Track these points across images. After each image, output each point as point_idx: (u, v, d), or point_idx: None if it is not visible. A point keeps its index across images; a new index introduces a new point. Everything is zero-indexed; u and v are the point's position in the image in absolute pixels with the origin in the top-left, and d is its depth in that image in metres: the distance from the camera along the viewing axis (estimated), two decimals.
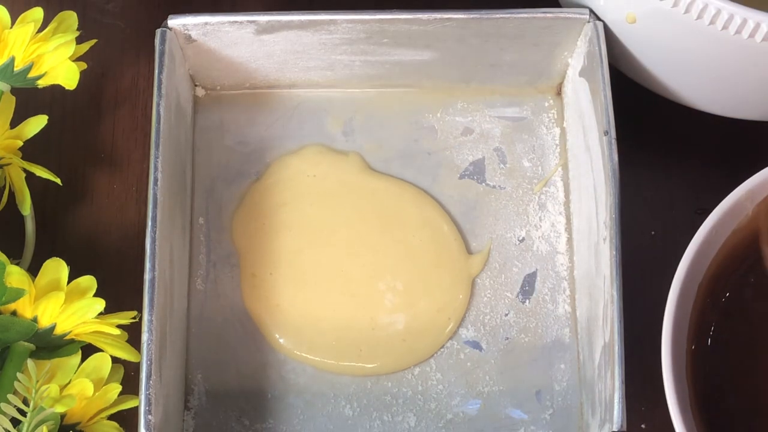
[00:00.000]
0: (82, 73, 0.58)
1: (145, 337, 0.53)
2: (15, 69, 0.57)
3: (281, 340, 0.60)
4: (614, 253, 0.54)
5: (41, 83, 0.58)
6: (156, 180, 0.55)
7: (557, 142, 0.62)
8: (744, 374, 0.55)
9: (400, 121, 0.63)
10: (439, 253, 0.61)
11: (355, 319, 0.60)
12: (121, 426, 0.55)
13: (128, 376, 0.56)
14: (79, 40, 0.58)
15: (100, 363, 0.54)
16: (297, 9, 0.58)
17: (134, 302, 0.55)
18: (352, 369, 0.59)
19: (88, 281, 0.54)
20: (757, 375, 0.55)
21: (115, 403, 0.54)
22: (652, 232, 0.61)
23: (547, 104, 0.63)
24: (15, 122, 0.58)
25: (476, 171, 0.62)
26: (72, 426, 0.54)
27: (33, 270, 0.54)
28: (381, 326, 0.60)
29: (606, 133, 0.55)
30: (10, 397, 0.51)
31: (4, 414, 0.51)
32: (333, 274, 0.61)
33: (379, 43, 0.59)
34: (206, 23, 0.58)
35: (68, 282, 0.54)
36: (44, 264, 0.54)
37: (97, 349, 0.54)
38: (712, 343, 0.55)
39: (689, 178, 0.62)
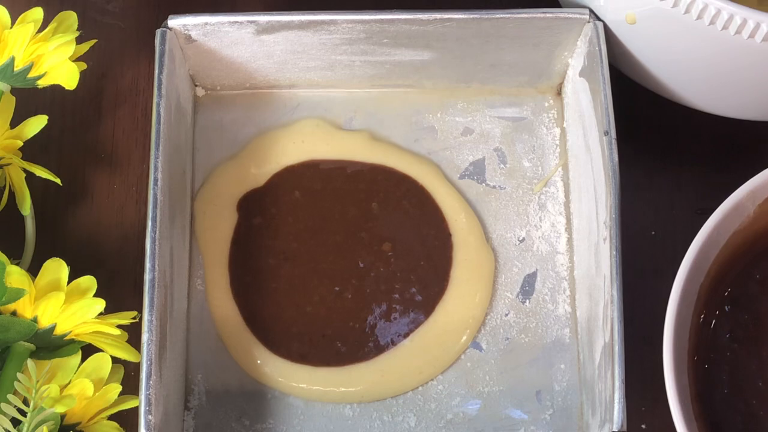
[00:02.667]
0: (82, 73, 0.58)
1: (145, 337, 0.53)
2: (15, 69, 0.57)
3: (263, 370, 0.58)
4: (614, 253, 0.54)
5: (41, 83, 0.58)
6: (156, 180, 0.55)
7: (557, 142, 0.62)
8: (746, 374, 0.55)
9: (400, 121, 0.63)
10: (465, 247, 0.60)
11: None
12: (121, 426, 0.55)
13: (128, 376, 0.56)
14: (79, 40, 0.58)
15: (100, 363, 0.54)
16: (297, 9, 0.58)
17: (134, 302, 0.55)
18: (345, 396, 0.58)
19: (88, 281, 0.54)
20: (760, 374, 0.55)
21: (115, 403, 0.54)
22: (652, 232, 0.61)
23: (547, 104, 0.63)
24: (15, 122, 0.58)
25: (476, 171, 0.62)
26: (72, 426, 0.54)
27: (33, 270, 0.54)
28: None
29: (606, 133, 0.55)
30: (10, 397, 0.51)
31: (4, 414, 0.51)
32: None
33: (379, 43, 0.59)
34: (206, 23, 0.58)
35: (68, 282, 0.54)
36: (44, 264, 0.54)
37: (97, 349, 0.54)
38: (714, 343, 0.55)
39: (689, 178, 0.62)
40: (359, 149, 0.61)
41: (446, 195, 0.61)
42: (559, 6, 0.60)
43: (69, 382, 0.54)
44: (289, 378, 0.58)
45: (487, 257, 0.60)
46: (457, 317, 0.59)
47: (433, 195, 0.61)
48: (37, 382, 0.52)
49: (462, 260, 0.60)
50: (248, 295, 0.59)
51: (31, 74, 0.57)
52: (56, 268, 0.54)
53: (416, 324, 0.59)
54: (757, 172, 0.53)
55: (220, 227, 0.60)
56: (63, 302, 0.53)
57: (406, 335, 0.59)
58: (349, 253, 0.60)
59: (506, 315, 0.60)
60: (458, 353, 0.59)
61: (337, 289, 0.59)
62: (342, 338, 0.59)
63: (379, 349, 0.59)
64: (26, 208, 0.59)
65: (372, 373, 0.58)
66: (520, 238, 0.61)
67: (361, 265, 0.60)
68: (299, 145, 0.61)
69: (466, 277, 0.60)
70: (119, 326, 0.54)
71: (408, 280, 0.60)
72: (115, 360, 0.55)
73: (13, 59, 0.57)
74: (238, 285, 0.59)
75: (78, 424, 0.54)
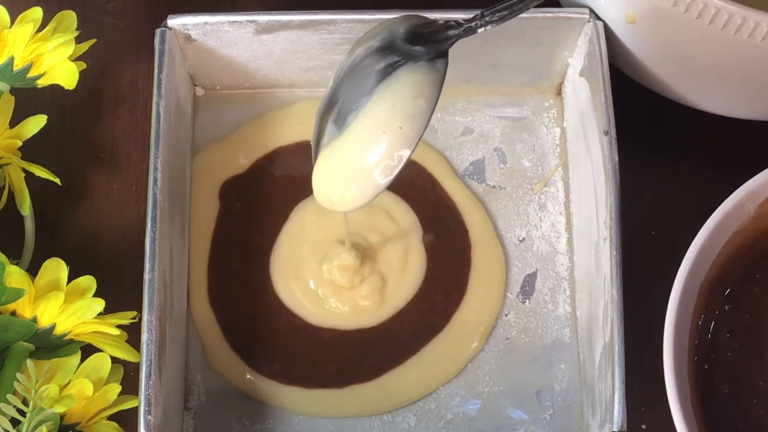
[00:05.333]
0: (82, 73, 0.58)
1: (145, 337, 0.53)
2: (14, 69, 0.57)
3: (250, 388, 0.57)
4: (614, 253, 0.54)
5: (41, 83, 0.58)
6: (156, 180, 0.55)
7: (557, 142, 0.62)
8: (746, 373, 0.55)
9: None
10: (482, 246, 0.59)
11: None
12: (121, 426, 0.55)
13: (128, 376, 0.56)
14: (79, 40, 0.58)
15: (100, 363, 0.54)
16: (297, 9, 0.58)
17: (134, 302, 0.55)
18: (345, 414, 0.57)
19: (88, 281, 0.54)
20: (760, 374, 0.55)
21: (115, 403, 0.54)
22: (652, 232, 0.61)
23: (547, 104, 0.63)
24: (14, 122, 0.58)
25: (476, 171, 0.62)
26: (72, 426, 0.54)
27: (33, 270, 0.54)
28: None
29: (606, 133, 0.55)
30: (9, 397, 0.51)
31: (4, 414, 0.51)
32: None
33: None
34: (206, 23, 0.58)
35: (68, 282, 0.54)
36: (44, 264, 0.54)
37: (97, 349, 0.54)
38: (714, 343, 0.55)
39: (689, 178, 0.62)
40: None
41: (457, 188, 0.60)
42: (559, 6, 0.60)
43: (68, 382, 0.54)
44: (280, 400, 0.57)
45: (501, 258, 0.59)
46: (470, 326, 0.59)
47: (445, 187, 0.60)
48: (37, 382, 0.52)
49: (480, 261, 0.59)
50: (228, 304, 0.59)
51: (31, 74, 0.57)
52: (55, 268, 0.54)
53: (428, 337, 0.58)
54: (757, 172, 0.53)
55: (200, 220, 0.59)
56: (62, 302, 0.53)
57: (416, 350, 0.58)
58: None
59: (506, 315, 0.60)
60: (466, 362, 0.58)
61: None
62: (338, 358, 0.58)
63: (383, 368, 0.58)
64: (26, 208, 0.59)
65: (375, 393, 0.57)
66: (520, 238, 0.61)
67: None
68: (294, 127, 0.61)
69: (483, 280, 0.59)
70: (119, 326, 0.54)
71: (422, 286, 0.59)
72: (115, 360, 0.55)
73: (12, 59, 0.57)
74: (218, 291, 0.59)
75: (77, 424, 0.54)
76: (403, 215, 0.59)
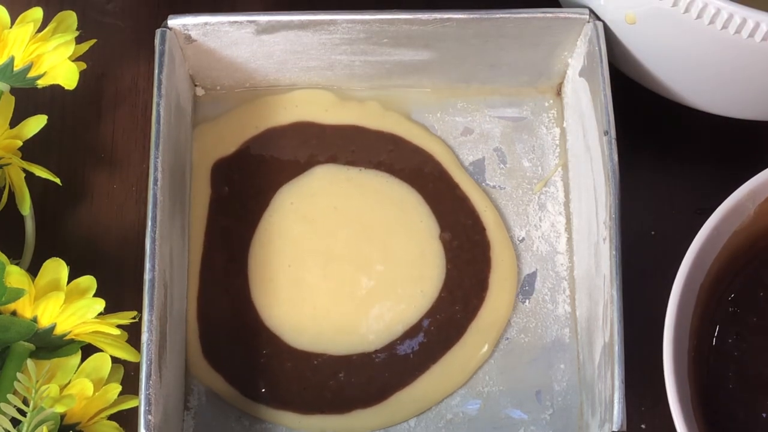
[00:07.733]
0: (82, 73, 0.58)
1: (145, 337, 0.53)
2: (14, 69, 0.57)
3: (240, 407, 0.56)
4: (614, 253, 0.54)
5: (41, 83, 0.58)
6: (156, 180, 0.55)
7: (557, 142, 0.62)
8: (748, 375, 0.55)
9: None
10: (499, 244, 0.58)
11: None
12: (121, 426, 0.55)
13: (128, 376, 0.56)
14: (79, 40, 0.58)
15: (100, 363, 0.54)
16: (297, 9, 0.58)
17: (134, 302, 0.55)
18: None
19: (88, 281, 0.54)
20: (761, 374, 0.55)
21: (115, 403, 0.54)
22: (652, 232, 0.61)
23: (547, 104, 0.63)
24: (15, 122, 0.58)
25: (476, 171, 0.62)
26: (72, 426, 0.54)
27: (33, 270, 0.54)
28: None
29: (606, 133, 0.55)
30: (10, 397, 0.51)
31: (4, 414, 0.51)
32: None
33: (379, 43, 0.59)
34: (206, 23, 0.58)
35: (68, 282, 0.54)
36: (44, 264, 0.54)
37: (97, 349, 0.54)
38: (715, 343, 0.55)
39: (689, 178, 0.62)
40: (365, 118, 0.60)
41: (468, 181, 0.60)
42: (559, 6, 0.60)
43: (69, 382, 0.54)
44: (273, 421, 0.56)
45: (513, 257, 0.59)
46: (484, 332, 0.58)
47: (455, 179, 0.60)
48: (37, 382, 0.52)
49: (498, 262, 0.58)
50: (209, 314, 0.58)
51: (31, 74, 0.57)
52: (56, 268, 0.54)
53: (442, 351, 0.58)
54: (757, 172, 0.53)
55: (197, 214, 0.58)
56: (63, 302, 0.53)
57: (427, 367, 0.58)
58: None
59: None
60: (476, 369, 0.58)
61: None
62: (335, 385, 0.57)
63: (389, 391, 0.57)
64: (26, 208, 0.59)
65: (380, 414, 0.56)
66: (520, 238, 0.61)
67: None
68: (291, 110, 0.60)
69: (500, 282, 0.58)
70: (119, 326, 0.54)
71: (440, 294, 0.59)
72: (115, 360, 0.55)
73: (12, 59, 0.57)
74: (204, 297, 0.58)
75: (78, 424, 0.54)
76: (416, 208, 0.58)
